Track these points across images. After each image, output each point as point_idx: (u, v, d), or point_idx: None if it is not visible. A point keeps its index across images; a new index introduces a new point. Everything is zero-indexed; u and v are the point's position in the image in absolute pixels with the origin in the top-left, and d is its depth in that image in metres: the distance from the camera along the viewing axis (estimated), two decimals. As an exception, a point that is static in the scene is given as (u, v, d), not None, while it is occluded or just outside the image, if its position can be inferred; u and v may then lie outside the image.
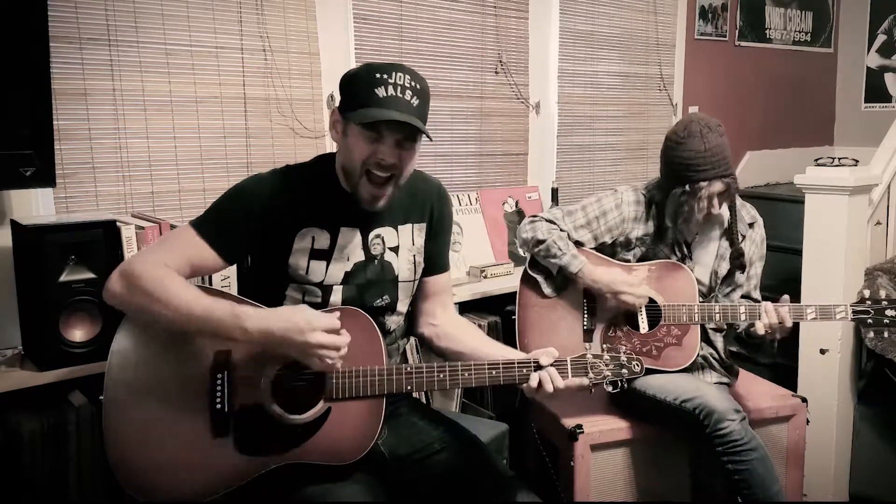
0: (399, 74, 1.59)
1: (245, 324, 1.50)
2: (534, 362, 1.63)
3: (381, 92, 1.57)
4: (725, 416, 2.08)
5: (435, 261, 1.86)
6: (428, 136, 1.60)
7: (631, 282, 2.23)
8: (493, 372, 1.63)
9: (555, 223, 2.31)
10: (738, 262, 2.32)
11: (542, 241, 2.28)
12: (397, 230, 1.77)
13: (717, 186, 2.19)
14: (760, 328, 2.13)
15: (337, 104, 1.68)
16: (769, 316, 2.12)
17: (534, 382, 1.61)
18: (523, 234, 2.34)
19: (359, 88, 1.60)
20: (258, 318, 1.51)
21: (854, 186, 2.78)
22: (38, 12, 1.82)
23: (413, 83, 1.61)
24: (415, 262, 1.81)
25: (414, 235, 1.80)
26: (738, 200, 2.37)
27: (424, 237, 1.82)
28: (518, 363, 1.64)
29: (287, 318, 1.51)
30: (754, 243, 2.39)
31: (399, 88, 1.58)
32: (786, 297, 2.18)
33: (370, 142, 1.60)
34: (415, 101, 1.60)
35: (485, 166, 3.28)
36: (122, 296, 1.55)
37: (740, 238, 2.34)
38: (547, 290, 2.35)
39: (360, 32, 2.84)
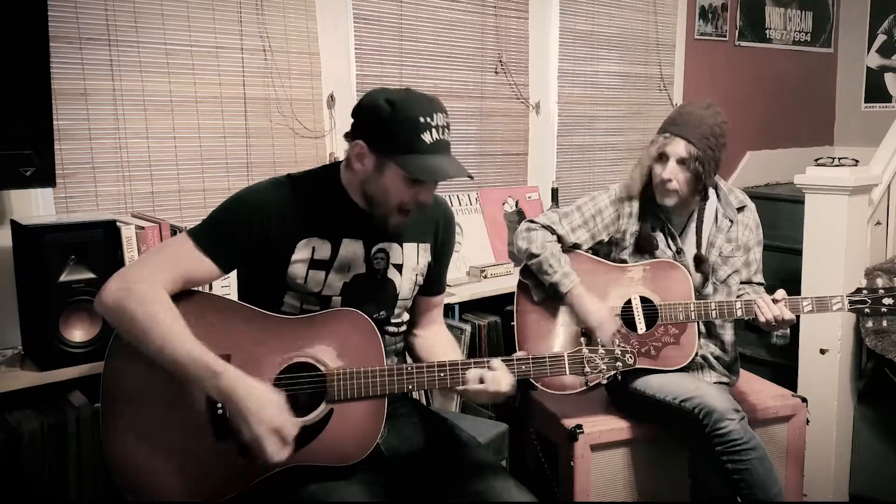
0: (438, 115, 1.58)
1: (219, 381, 1.48)
2: (530, 357, 1.66)
3: (427, 138, 1.56)
4: (725, 415, 2.08)
5: (435, 283, 1.87)
6: (471, 178, 1.62)
7: (603, 322, 2.21)
8: None
9: (552, 228, 2.31)
10: (701, 267, 2.30)
11: (535, 256, 2.29)
12: (402, 247, 1.76)
13: (677, 146, 2.19)
14: (762, 319, 2.14)
15: (359, 134, 1.62)
16: (771, 310, 2.13)
17: (473, 377, 1.61)
18: (519, 242, 2.35)
19: (402, 133, 1.56)
20: (234, 380, 1.49)
21: (854, 186, 2.78)
22: (38, 12, 1.82)
23: (447, 119, 1.61)
24: (416, 282, 1.81)
25: (419, 255, 1.80)
26: (725, 186, 2.38)
27: (430, 257, 1.82)
28: (517, 360, 1.66)
29: (258, 399, 1.48)
30: (747, 228, 2.38)
31: (440, 130, 1.58)
32: (780, 291, 2.17)
33: (412, 185, 1.61)
34: (449, 138, 1.62)
35: (485, 166, 3.28)
36: (112, 311, 1.54)
37: (728, 224, 2.34)
38: (537, 297, 2.35)
39: (360, 32, 2.84)
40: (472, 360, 1.65)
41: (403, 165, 1.57)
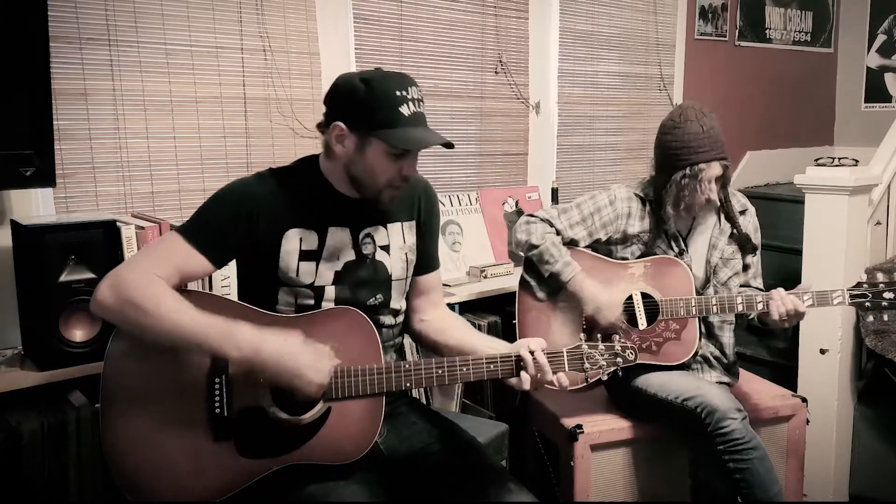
0: (413, 89, 1.61)
1: (238, 340, 1.49)
2: (530, 352, 1.64)
3: (404, 110, 1.59)
4: (727, 414, 2.08)
5: (426, 260, 1.87)
6: (452, 146, 1.64)
7: (609, 304, 2.23)
8: (491, 366, 1.64)
9: (551, 222, 2.32)
10: (749, 246, 2.32)
11: (535, 246, 2.29)
12: (387, 228, 1.78)
13: (716, 169, 2.20)
14: (775, 315, 2.13)
15: (336, 117, 1.63)
16: (784, 303, 2.12)
17: (531, 371, 1.62)
18: (518, 235, 2.35)
19: (379, 108, 1.58)
20: (252, 335, 1.50)
21: (854, 186, 2.78)
22: (38, 12, 1.82)
23: (421, 94, 1.64)
24: (406, 260, 1.81)
25: (405, 233, 1.81)
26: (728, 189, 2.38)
27: (415, 235, 1.83)
28: (515, 356, 1.65)
29: (280, 341, 1.51)
30: (747, 231, 2.38)
31: (416, 103, 1.61)
32: (807, 285, 2.17)
33: (396, 160, 1.62)
34: (425, 111, 1.64)
35: (485, 166, 3.28)
36: (112, 308, 1.53)
37: (730, 226, 2.34)
38: (540, 293, 2.35)
39: (360, 32, 2.84)
40: (469, 358, 1.65)
41: (384, 139, 1.59)
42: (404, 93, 1.59)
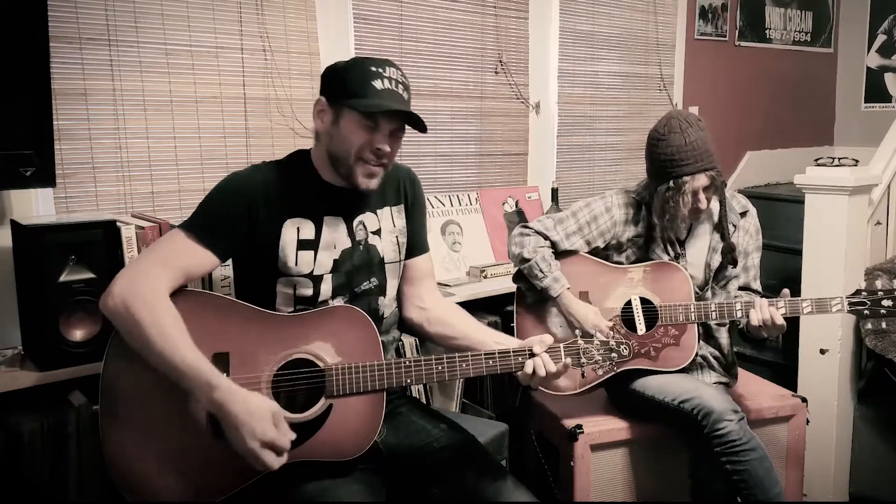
0: (391, 69, 1.67)
1: (213, 394, 1.47)
2: (528, 350, 1.67)
3: (377, 84, 1.64)
4: (723, 416, 2.08)
5: (415, 243, 1.90)
6: (424, 129, 1.68)
7: (600, 326, 2.21)
8: (490, 361, 1.66)
9: (546, 234, 2.31)
10: (729, 256, 2.31)
11: (527, 260, 2.29)
12: (377, 214, 1.81)
13: (702, 180, 2.19)
14: (755, 320, 2.12)
15: (323, 95, 1.71)
16: (762, 312, 2.12)
17: (528, 369, 1.65)
18: (512, 247, 2.35)
19: (353, 79, 1.65)
20: (228, 393, 1.47)
21: (854, 186, 2.78)
22: (38, 12, 1.82)
23: (403, 78, 1.69)
24: (398, 243, 1.85)
25: (394, 217, 1.84)
26: (728, 192, 2.37)
27: (404, 218, 1.87)
28: (514, 352, 1.67)
29: (250, 412, 1.46)
30: (748, 233, 2.38)
31: (393, 82, 1.66)
32: (785, 291, 2.17)
33: (367, 131, 1.66)
34: (405, 96, 1.68)
35: (485, 166, 3.28)
36: (118, 315, 1.54)
37: (732, 229, 2.33)
38: (529, 299, 2.35)
39: (360, 32, 2.84)
40: (469, 354, 1.66)
41: (354, 106, 1.63)
42: (380, 70, 1.65)
